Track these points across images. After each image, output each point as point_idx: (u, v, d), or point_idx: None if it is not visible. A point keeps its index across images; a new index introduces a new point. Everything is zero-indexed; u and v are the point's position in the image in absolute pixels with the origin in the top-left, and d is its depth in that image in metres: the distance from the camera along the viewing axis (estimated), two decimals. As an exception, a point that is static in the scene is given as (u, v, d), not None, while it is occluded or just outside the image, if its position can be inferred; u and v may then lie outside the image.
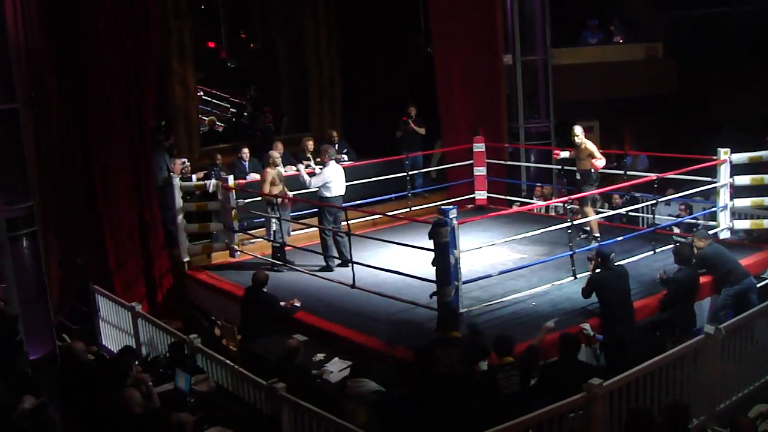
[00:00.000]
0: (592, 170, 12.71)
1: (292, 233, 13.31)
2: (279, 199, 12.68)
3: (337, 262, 12.51)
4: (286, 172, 13.59)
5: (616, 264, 10.23)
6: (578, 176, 13.00)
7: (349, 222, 11.75)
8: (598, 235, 12.73)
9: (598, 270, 10.13)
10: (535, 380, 8.18)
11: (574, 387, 7.37)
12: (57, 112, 12.26)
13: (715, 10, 19.62)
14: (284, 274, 12.49)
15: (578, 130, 12.98)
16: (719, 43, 19.05)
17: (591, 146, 12.83)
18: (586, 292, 10.13)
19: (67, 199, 12.57)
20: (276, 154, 13.28)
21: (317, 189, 12.59)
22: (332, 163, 12.67)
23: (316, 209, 12.92)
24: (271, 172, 12.82)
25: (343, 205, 12.61)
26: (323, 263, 12.57)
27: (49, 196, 12.33)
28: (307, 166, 14.15)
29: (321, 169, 12.79)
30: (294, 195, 13.16)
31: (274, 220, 12.82)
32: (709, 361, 8.43)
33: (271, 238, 12.99)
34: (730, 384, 8.86)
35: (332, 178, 12.54)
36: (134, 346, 10.79)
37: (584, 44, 19.68)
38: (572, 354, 8.30)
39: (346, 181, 12.99)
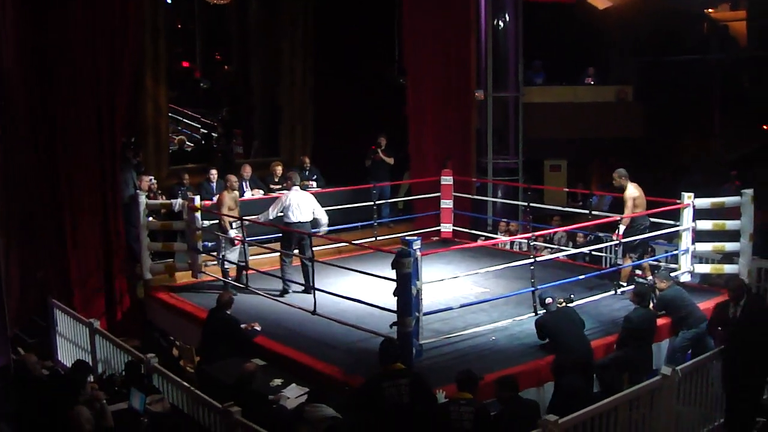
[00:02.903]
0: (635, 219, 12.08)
1: (251, 257, 13.18)
2: (240, 222, 12.64)
3: (294, 286, 12.49)
4: (253, 195, 13.54)
5: (566, 305, 10.39)
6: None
7: (314, 249, 11.72)
8: (624, 283, 12.19)
9: (541, 313, 10.39)
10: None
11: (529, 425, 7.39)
12: (25, 120, 12.17)
13: (686, 57, 20.00)
14: (246, 297, 12.39)
15: (616, 173, 12.45)
16: (688, 90, 19.39)
17: (627, 194, 12.18)
18: (538, 335, 10.28)
19: (31, 210, 12.43)
20: (233, 177, 13.23)
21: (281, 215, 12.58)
22: (294, 188, 12.66)
23: (280, 234, 12.89)
24: (227, 196, 12.82)
25: (309, 231, 12.55)
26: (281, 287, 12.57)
27: (12, 207, 12.20)
28: (275, 190, 14.14)
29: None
30: (256, 218, 12.94)
31: (224, 244, 12.84)
32: (665, 402, 8.50)
33: (221, 261, 12.99)
34: (685, 426, 8.92)
35: (291, 204, 12.52)
36: (90, 363, 10.66)
37: (529, 84, 19.63)
38: (514, 395, 8.19)
39: (314, 208, 13.02)
